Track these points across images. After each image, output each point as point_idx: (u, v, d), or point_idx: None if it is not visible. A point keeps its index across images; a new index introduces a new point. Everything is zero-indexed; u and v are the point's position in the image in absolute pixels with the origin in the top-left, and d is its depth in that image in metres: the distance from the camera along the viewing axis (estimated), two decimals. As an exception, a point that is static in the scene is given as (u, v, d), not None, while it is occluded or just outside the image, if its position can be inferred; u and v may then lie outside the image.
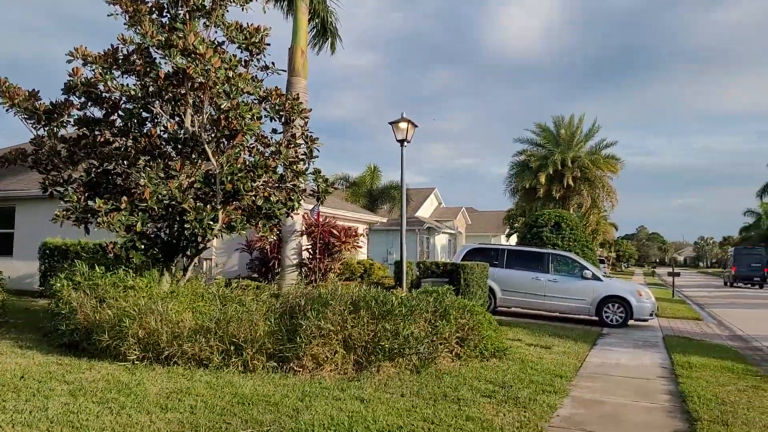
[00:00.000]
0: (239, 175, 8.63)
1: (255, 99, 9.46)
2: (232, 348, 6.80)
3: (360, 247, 14.85)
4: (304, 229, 13.38)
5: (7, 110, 9.02)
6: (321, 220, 13.76)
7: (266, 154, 9.41)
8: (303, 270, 13.11)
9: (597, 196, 31.49)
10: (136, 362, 6.72)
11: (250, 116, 8.53)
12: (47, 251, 14.08)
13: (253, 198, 9.00)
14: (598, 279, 14.13)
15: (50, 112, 9.06)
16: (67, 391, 5.38)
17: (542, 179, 30.28)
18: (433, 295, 8.01)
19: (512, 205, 37.31)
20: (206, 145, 8.63)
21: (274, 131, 9.81)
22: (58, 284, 8.28)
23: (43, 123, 9.15)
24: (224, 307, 7.81)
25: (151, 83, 8.68)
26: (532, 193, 31.51)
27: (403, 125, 11.64)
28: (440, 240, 37.96)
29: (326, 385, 6.13)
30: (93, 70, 8.75)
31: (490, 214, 52.01)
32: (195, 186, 8.81)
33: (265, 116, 9.51)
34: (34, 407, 4.81)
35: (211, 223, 8.60)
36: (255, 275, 13.71)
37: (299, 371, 6.61)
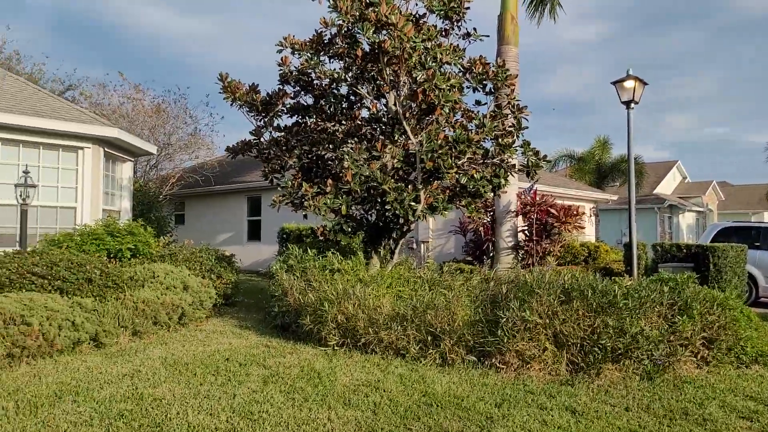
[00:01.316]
0: (439, 152, 8.07)
1: (458, 70, 8.81)
2: (429, 338, 6.29)
3: (582, 227, 13.34)
4: (519, 208, 12.41)
5: (231, 104, 9.68)
6: (537, 198, 12.62)
7: (470, 128, 8.71)
8: (519, 253, 12.16)
9: None
10: (336, 348, 6.59)
11: (447, 86, 7.89)
12: (284, 235, 15.19)
13: (456, 176, 8.39)
14: None
15: (266, 103, 9.49)
16: (261, 377, 5.35)
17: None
18: (669, 284, 6.55)
19: (780, 176, 31.14)
20: (404, 122, 8.24)
21: (478, 103, 9.05)
22: (275, 267, 8.62)
23: (261, 114, 9.66)
24: (430, 292, 7.38)
25: (352, 64, 8.57)
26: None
27: (629, 84, 9.98)
28: (686, 219, 33.45)
29: (532, 388, 5.25)
30: (300, 57, 8.91)
31: (749, 189, 44.41)
32: (395, 165, 8.49)
33: (468, 87, 8.81)
34: (224, 393, 4.81)
35: (413, 204, 8.20)
36: (469, 258, 13.15)
37: (502, 368, 5.83)
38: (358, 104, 9.32)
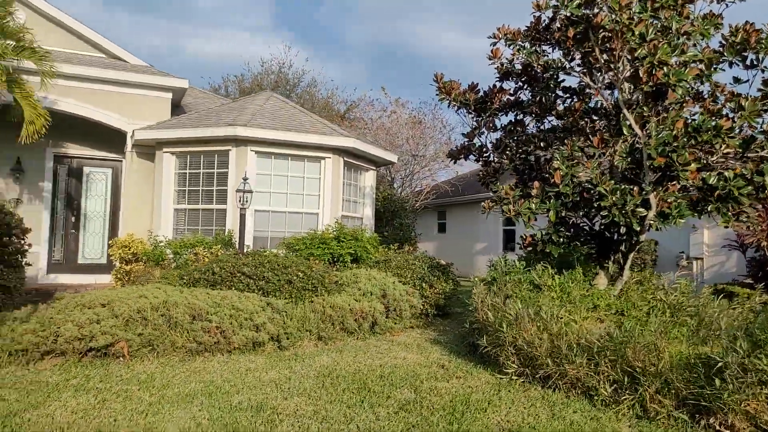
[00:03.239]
0: (674, 144, 6.39)
1: (718, 44, 6.96)
2: (626, 379, 4.91)
3: None
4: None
5: (448, 105, 9.28)
6: None
7: (724, 113, 6.74)
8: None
9: None
10: (513, 377, 5.61)
11: (681, 61, 6.20)
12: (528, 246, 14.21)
13: (700, 175, 6.54)
14: None
15: (481, 102, 8.86)
16: (400, 403, 4.75)
17: None
18: None
19: None
20: (625, 110, 6.75)
21: (737, 80, 6.96)
22: (476, 279, 7.91)
23: (477, 114, 9.06)
24: (666, 318, 5.93)
25: (569, 50, 7.42)
26: None
27: None
28: None
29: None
30: (513, 48, 8.08)
31: None
32: (617, 164, 7.01)
33: (724, 61, 6.85)
34: (344, 417, 4.35)
35: (639, 209, 6.65)
36: (749, 281, 10.40)
37: (722, 436, 4.20)
38: (576, 96, 8.05)
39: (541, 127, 8.34)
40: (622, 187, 6.71)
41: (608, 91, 7.76)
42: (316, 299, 7.32)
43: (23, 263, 8.40)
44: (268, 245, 10.88)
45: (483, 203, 8.33)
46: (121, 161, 12.79)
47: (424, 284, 9.04)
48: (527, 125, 8.66)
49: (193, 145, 11.26)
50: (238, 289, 7.28)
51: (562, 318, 5.76)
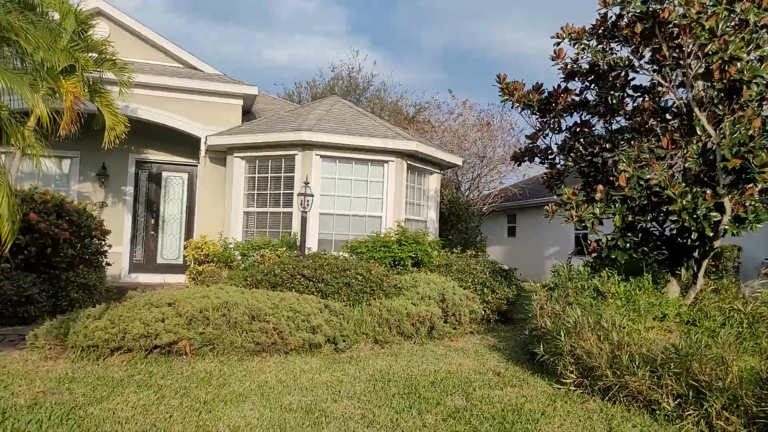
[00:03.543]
0: (750, 145, 5.99)
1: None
2: (690, 393, 4.64)
3: None
4: None
5: (512, 106, 9.11)
6: None
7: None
8: None
9: None
10: (572, 388, 5.42)
11: (758, 56, 5.80)
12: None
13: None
14: None
15: (545, 102, 8.65)
16: (450, 410, 4.69)
17: None
18: None
19: None
20: (696, 109, 6.39)
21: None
22: (539, 283, 7.71)
23: (539, 114, 8.85)
24: (744, 329, 5.63)
25: (633, 46, 7.13)
26: None
27: None
28: None
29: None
30: (575, 46, 7.85)
31: None
32: (687, 165, 6.66)
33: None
34: (390, 421, 4.35)
35: (712, 213, 6.28)
36: None
37: (794, 460, 3.89)
38: (646, 94, 7.71)
39: (609, 128, 8.03)
40: (694, 190, 6.37)
41: (682, 89, 7.39)
42: (373, 302, 7.36)
43: (103, 263, 8.93)
44: (332, 248, 11.05)
45: (546, 207, 8.12)
46: (196, 166, 13.37)
47: (485, 289, 8.91)
48: (593, 126, 8.37)
49: (261, 150, 11.60)
50: (297, 290, 7.43)
51: (624, 327, 5.52)
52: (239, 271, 8.93)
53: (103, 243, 8.83)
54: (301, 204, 8.20)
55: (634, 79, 7.99)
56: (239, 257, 10.37)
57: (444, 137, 18.88)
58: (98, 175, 13.05)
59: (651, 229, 7.80)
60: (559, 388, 5.46)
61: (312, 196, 8.39)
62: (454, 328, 7.76)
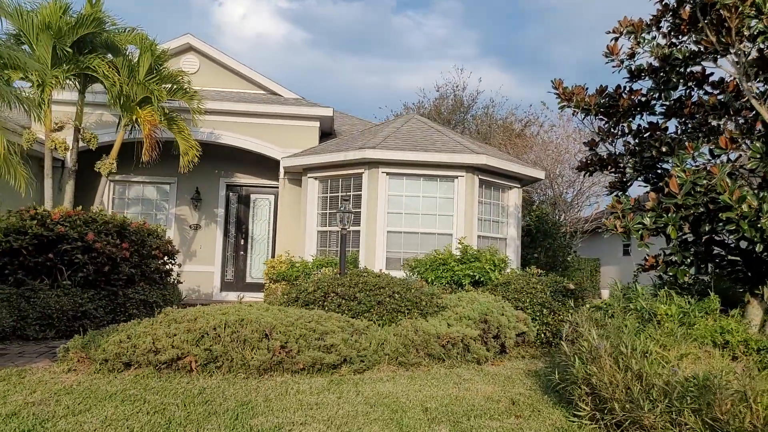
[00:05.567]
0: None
1: None
2: (709, 438, 3.84)
3: None
4: None
5: (573, 113, 8.43)
6: None
7: None
8: None
9: None
10: (584, 422, 4.74)
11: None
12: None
13: None
14: None
15: (606, 106, 7.89)
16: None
17: None
18: None
19: None
20: (754, 101, 5.42)
21: None
22: (588, 305, 6.93)
23: (607, 118, 8.09)
24: None
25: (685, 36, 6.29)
26: None
27: None
28: None
29: None
30: (635, 41, 7.10)
31: None
32: (747, 167, 5.66)
33: None
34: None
35: (780, 223, 5.26)
36: None
37: None
38: (712, 88, 6.73)
39: (677, 130, 7.12)
40: (763, 194, 5.40)
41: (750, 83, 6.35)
42: (404, 322, 7.03)
43: (168, 281, 9.43)
44: (400, 267, 10.83)
45: (604, 220, 7.34)
46: (278, 187, 13.85)
47: (544, 310, 8.20)
48: (664, 128, 7.45)
49: (332, 170, 11.72)
50: (330, 309, 7.31)
51: (649, 354, 4.74)
52: (290, 289, 9.01)
53: (167, 261, 9.34)
54: (341, 221, 8.11)
55: (712, 74, 7.04)
56: (302, 276, 10.49)
57: (546, 150, 18.01)
58: (192, 198, 13.95)
59: (725, 241, 6.74)
60: (572, 422, 4.80)
61: (351, 213, 8.28)
62: (495, 351, 7.19)
